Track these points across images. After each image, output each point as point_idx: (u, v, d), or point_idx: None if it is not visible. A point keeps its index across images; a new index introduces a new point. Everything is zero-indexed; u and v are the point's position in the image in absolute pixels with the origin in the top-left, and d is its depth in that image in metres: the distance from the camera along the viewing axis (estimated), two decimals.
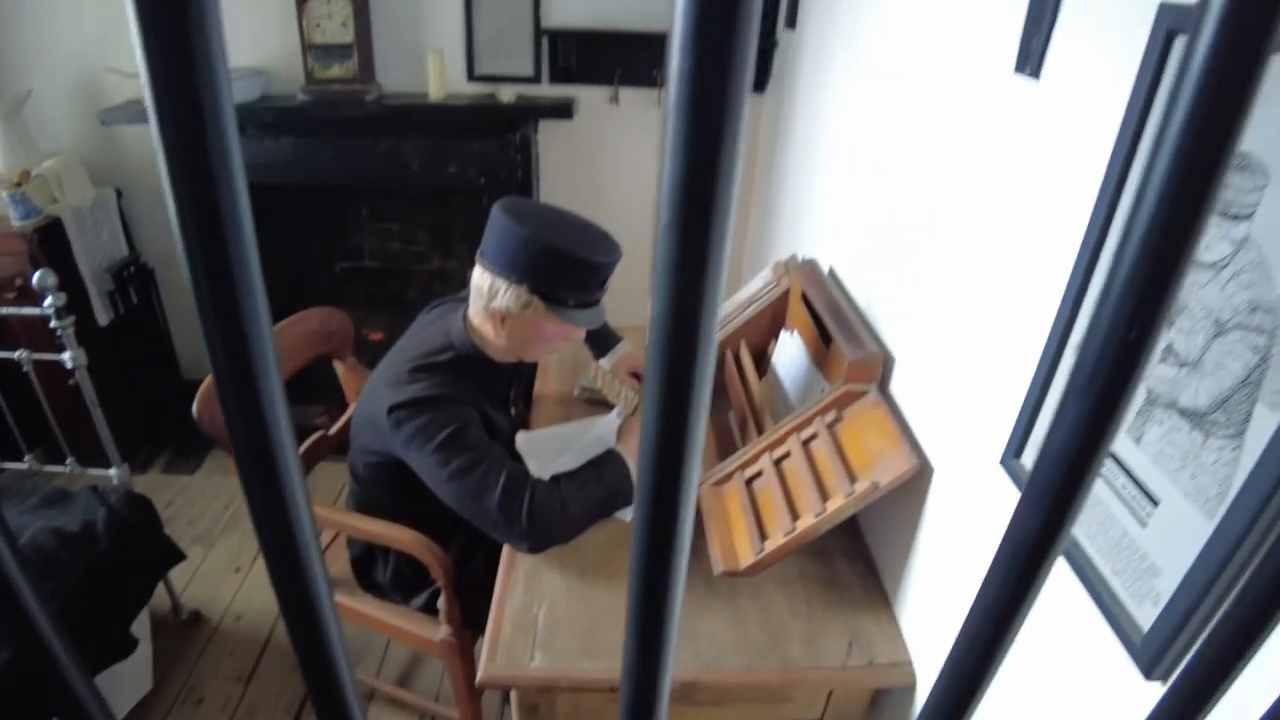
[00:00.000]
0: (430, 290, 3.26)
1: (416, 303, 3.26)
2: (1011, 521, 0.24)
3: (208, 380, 1.73)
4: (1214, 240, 0.76)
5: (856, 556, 1.47)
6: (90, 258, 2.79)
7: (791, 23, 2.34)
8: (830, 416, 1.39)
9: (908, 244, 1.38)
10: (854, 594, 1.38)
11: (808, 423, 1.41)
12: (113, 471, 2.23)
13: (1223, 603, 0.72)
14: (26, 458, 2.39)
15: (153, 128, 0.18)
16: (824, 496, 1.27)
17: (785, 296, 1.81)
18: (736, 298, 2.01)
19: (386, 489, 1.61)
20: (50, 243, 2.63)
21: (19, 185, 2.57)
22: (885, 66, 1.55)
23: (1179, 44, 0.79)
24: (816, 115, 2.02)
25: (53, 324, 2.00)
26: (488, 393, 1.56)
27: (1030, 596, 0.26)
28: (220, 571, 2.60)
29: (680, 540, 0.24)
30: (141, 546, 2.10)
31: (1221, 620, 0.29)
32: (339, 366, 2.06)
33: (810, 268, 1.78)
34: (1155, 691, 0.76)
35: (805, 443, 1.39)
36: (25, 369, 2.17)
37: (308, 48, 2.57)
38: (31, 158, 2.69)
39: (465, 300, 1.60)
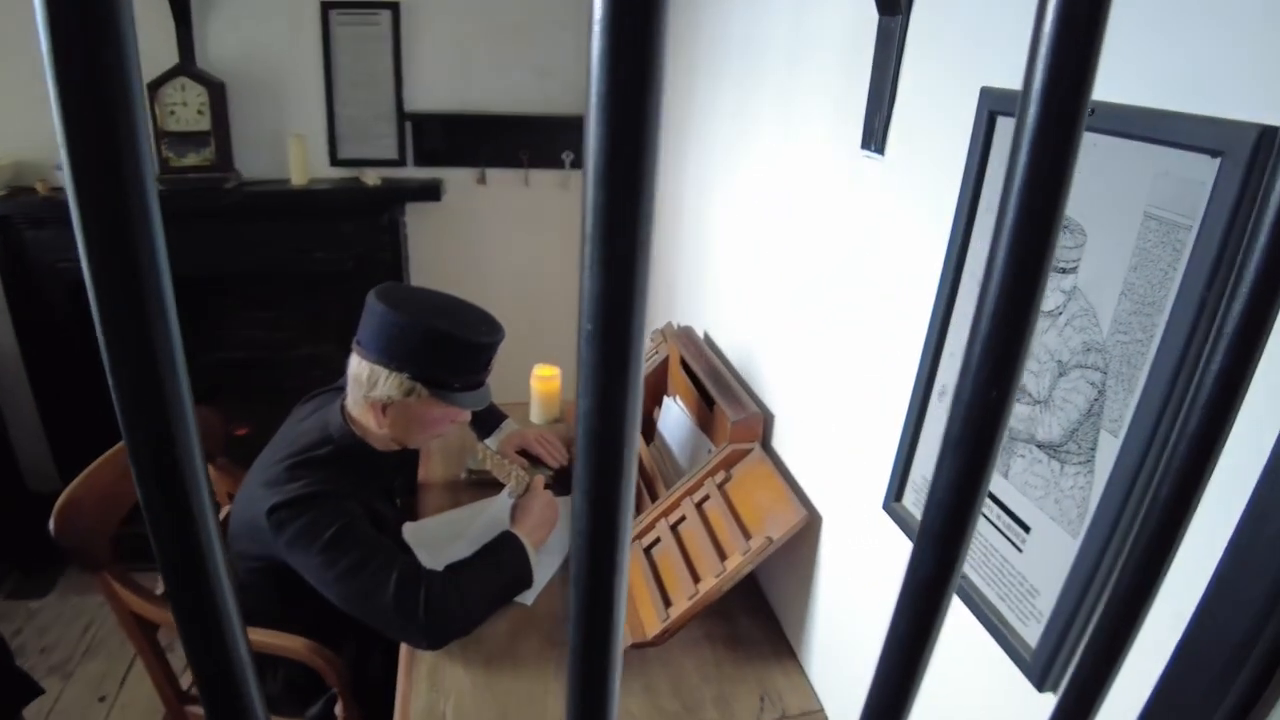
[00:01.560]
0: (304, 377, 3.13)
1: (290, 392, 3.13)
2: (909, 566, 0.28)
3: (67, 492, 1.61)
4: (1048, 291, 0.86)
5: (757, 611, 1.51)
6: None
7: None
8: (720, 477, 1.44)
9: (779, 308, 1.46)
10: (760, 649, 1.42)
11: (699, 485, 1.45)
12: None
13: (1095, 611, 0.79)
14: None
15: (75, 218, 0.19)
16: (722, 556, 1.30)
17: (666, 364, 1.86)
18: None
19: (270, 595, 1.53)
20: None
21: None
22: (746, 141, 1.66)
23: (1002, 122, 0.90)
24: (680, 192, 2.13)
25: None
26: (371, 485, 1.52)
27: (934, 631, 0.29)
28: (83, 702, 2.37)
29: (617, 625, 0.25)
30: None
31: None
32: (209, 469, 1.95)
33: (687, 334, 1.85)
34: (1049, 702, 0.82)
35: (699, 505, 1.43)
36: None
37: (161, 136, 2.49)
38: None
39: (342, 390, 1.57)
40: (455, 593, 1.37)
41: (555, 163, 2.75)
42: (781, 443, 1.44)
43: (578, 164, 2.76)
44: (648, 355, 1.97)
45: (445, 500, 1.84)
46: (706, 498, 1.42)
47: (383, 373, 1.38)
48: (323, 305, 2.99)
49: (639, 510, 1.61)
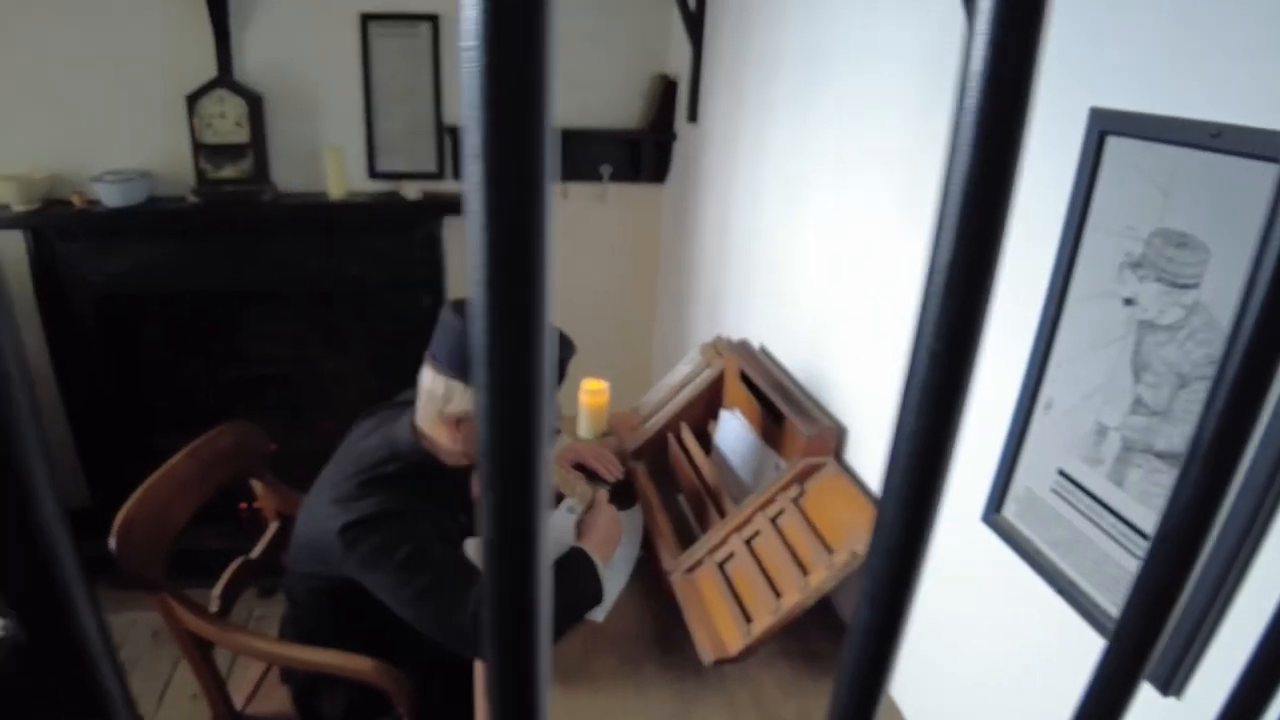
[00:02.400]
0: (324, 394, 3.16)
1: (309, 410, 3.16)
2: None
3: (125, 511, 1.61)
4: (1166, 306, 0.88)
5: (828, 625, 1.52)
6: None
7: (694, 117, 2.49)
8: (794, 491, 1.45)
9: (852, 320, 1.48)
10: (836, 663, 1.42)
11: (772, 500, 1.47)
12: None
13: (1219, 616, 0.81)
14: None
15: None
16: (804, 571, 1.32)
17: (721, 377, 1.88)
18: (667, 382, 2.07)
19: (333, 614, 1.54)
20: None
21: None
22: (806, 151, 1.68)
23: (1112, 142, 0.92)
24: (729, 204, 2.15)
25: None
26: (439, 500, 1.53)
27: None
28: None
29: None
30: (36, 702, 1.89)
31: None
32: (256, 485, 1.96)
33: (744, 348, 1.87)
34: (1172, 706, 0.83)
35: (773, 520, 1.44)
36: None
37: (199, 148, 2.51)
38: None
39: (405, 406, 1.58)
40: None
41: (593, 175, 2.78)
42: (857, 456, 1.46)
43: (616, 176, 2.80)
44: (697, 369, 1.99)
45: None
46: (781, 512, 1.44)
47: (458, 387, 1.40)
48: (344, 321, 3.01)
49: (706, 525, 1.62)
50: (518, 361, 0.20)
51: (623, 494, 1.79)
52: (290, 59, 2.61)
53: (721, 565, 1.46)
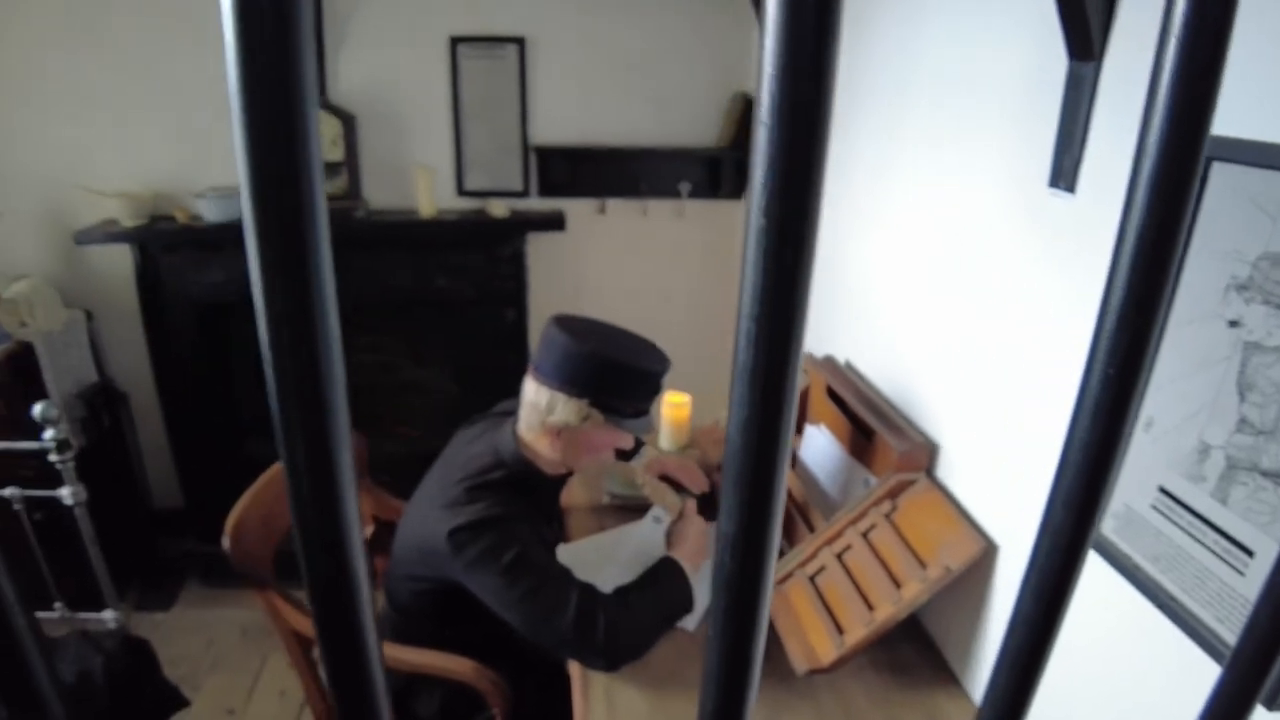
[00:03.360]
0: (406, 402, 3.29)
1: (387, 418, 3.29)
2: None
3: (236, 512, 1.73)
4: (1274, 329, 0.91)
5: (915, 638, 1.55)
6: (61, 383, 2.75)
7: None
8: (886, 507, 1.50)
9: (945, 337, 1.53)
10: (924, 676, 1.47)
11: (863, 515, 1.52)
12: (108, 614, 2.16)
13: None
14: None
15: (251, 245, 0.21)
16: (897, 584, 1.36)
17: (806, 392, 1.93)
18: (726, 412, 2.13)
19: (434, 616, 1.63)
20: (21, 368, 2.60)
21: None
22: (894, 168, 1.74)
23: (1217, 168, 0.96)
24: None
25: (53, 458, 1.98)
26: (538, 507, 1.62)
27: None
28: (212, 715, 2.49)
29: (758, 642, 0.29)
30: (143, 694, 2.02)
31: None
32: None
33: (829, 364, 1.92)
34: None
35: (865, 534, 1.49)
36: (16, 507, 2.12)
37: None
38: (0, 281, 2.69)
39: (507, 415, 1.67)
40: (629, 616, 1.45)
41: (672, 192, 2.86)
42: (949, 472, 1.50)
43: (695, 194, 2.87)
44: None
45: (589, 523, 1.93)
46: (873, 527, 1.48)
47: (561, 398, 1.48)
48: (431, 332, 3.14)
49: (795, 538, 1.68)
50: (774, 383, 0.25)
51: (708, 507, 1.85)
52: (382, 80, 2.75)
53: (812, 578, 1.52)
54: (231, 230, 2.70)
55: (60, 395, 2.73)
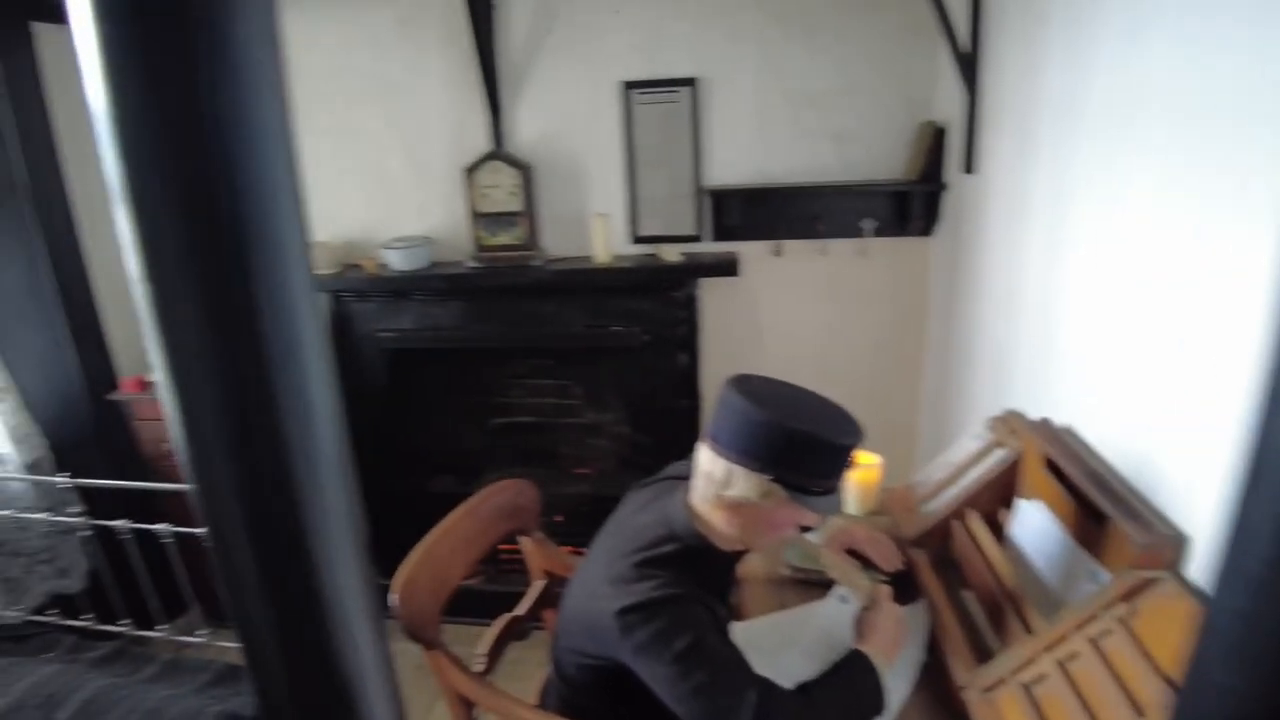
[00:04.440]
0: (580, 444, 3.29)
1: (566, 459, 3.30)
2: None
3: (407, 569, 1.72)
4: None
5: None
6: None
7: (969, 167, 2.33)
8: (1121, 610, 1.26)
9: (1187, 402, 1.28)
10: None
11: (1093, 617, 1.29)
12: None
13: None
14: (202, 632, 2.43)
15: None
16: (1138, 711, 1.13)
17: (1017, 461, 1.71)
18: (948, 459, 1.92)
19: (601, 694, 1.53)
20: None
21: None
22: (1123, 202, 1.49)
23: None
24: (1020, 260, 1.98)
25: None
26: (710, 585, 1.48)
27: None
28: None
29: None
30: None
31: None
32: (524, 542, 2.04)
33: (1047, 429, 1.69)
34: None
35: (1095, 641, 1.26)
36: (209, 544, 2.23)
37: (476, 216, 2.72)
38: None
39: (677, 482, 1.56)
40: (811, 716, 1.30)
41: (853, 231, 2.68)
42: (1205, 573, 1.25)
43: (881, 231, 2.68)
44: (986, 448, 1.82)
45: (767, 597, 1.79)
46: (1106, 634, 1.25)
47: (740, 472, 1.35)
48: (605, 376, 3.12)
49: (1007, 635, 1.46)
50: None
51: (903, 586, 1.66)
52: (557, 130, 2.76)
53: (1029, 688, 1.30)
54: (417, 280, 2.79)
55: None
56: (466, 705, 1.73)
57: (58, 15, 2.74)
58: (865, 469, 1.98)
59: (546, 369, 3.16)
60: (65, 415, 2.85)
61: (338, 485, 0.21)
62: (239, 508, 0.21)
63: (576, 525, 3.05)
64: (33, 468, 2.74)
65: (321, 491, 0.21)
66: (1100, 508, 1.36)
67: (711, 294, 2.79)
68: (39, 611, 2.63)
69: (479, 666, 1.78)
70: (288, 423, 0.20)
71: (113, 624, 2.47)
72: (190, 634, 2.42)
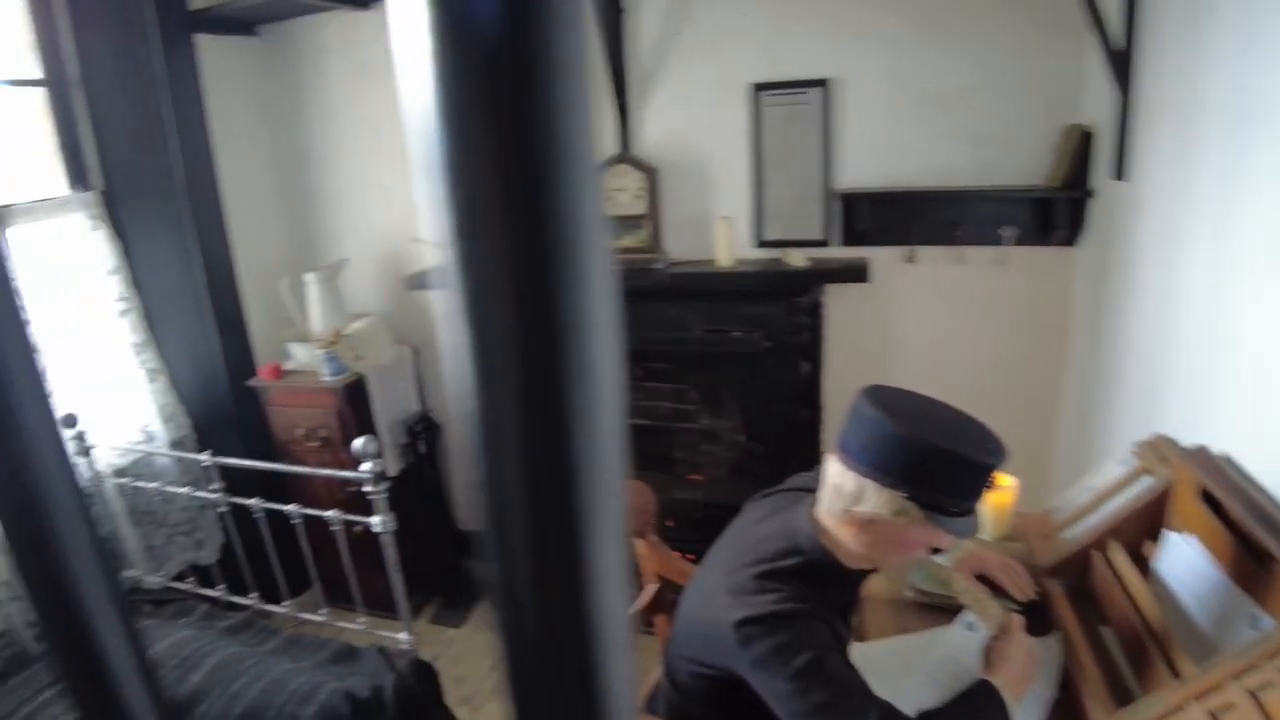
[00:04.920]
0: (696, 449, 3.29)
1: (681, 463, 3.31)
2: None
3: None
4: None
5: None
6: (387, 412, 3.08)
7: (1120, 173, 2.21)
8: None
9: None
10: None
11: (1252, 666, 1.20)
12: (402, 635, 2.33)
13: None
14: (323, 610, 2.56)
15: None
16: None
17: (1167, 491, 1.61)
18: (1090, 484, 1.83)
19: (713, 704, 1.52)
20: (354, 397, 2.95)
21: (331, 345, 2.93)
22: None
23: None
24: (1179, 274, 1.86)
25: (367, 489, 2.17)
26: (832, 602, 1.45)
27: None
28: None
29: None
30: (427, 717, 2.14)
31: None
32: (638, 544, 2.06)
33: (1203, 458, 1.58)
34: None
35: (1254, 693, 1.17)
36: (334, 528, 2.35)
37: None
38: (342, 319, 3.07)
39: (801, 494, 1.54)
40: None
41: (992, 239, 2.58)
42: None
43: (1022, 240, 2.58)
44: (1131, 474, 1.73)
45: (889, 620, 1.74)
46: (1267, 685, 1.16)
47: (872, 487, 1.31)
48: (724, 381, 3.11)
49: (1145, 675, 1.38)
50: None
51: (1035, 617, 1.59)
52: (683, 132, 2.78)
53: None
54: None
55: (386, 422, 3.05)
56: None
57: (216, 28, 2.97)
58: (1001, 491, 1.91)
59: (664, 373, 3.18)
60: (208, 398, 3.07)
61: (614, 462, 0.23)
62: (523, 493, 0.22)
63: (687, 531, 3.06)
64: (177, 445, 2.96)
65: (601, 466, 0.22)
66: (1265, 546, 1.27)
67: (838, 301, 2.74)
68: (177, 579, 2.84)
69: None
70: (580, 404, 0.21)
71: (242, 596, 2.63)
72: (312, 611, 2.55)
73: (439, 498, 3.47)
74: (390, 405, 3.12)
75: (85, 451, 2.56)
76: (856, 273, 2.59)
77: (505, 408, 0.21)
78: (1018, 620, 1.45)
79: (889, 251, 2.68)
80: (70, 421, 2.51)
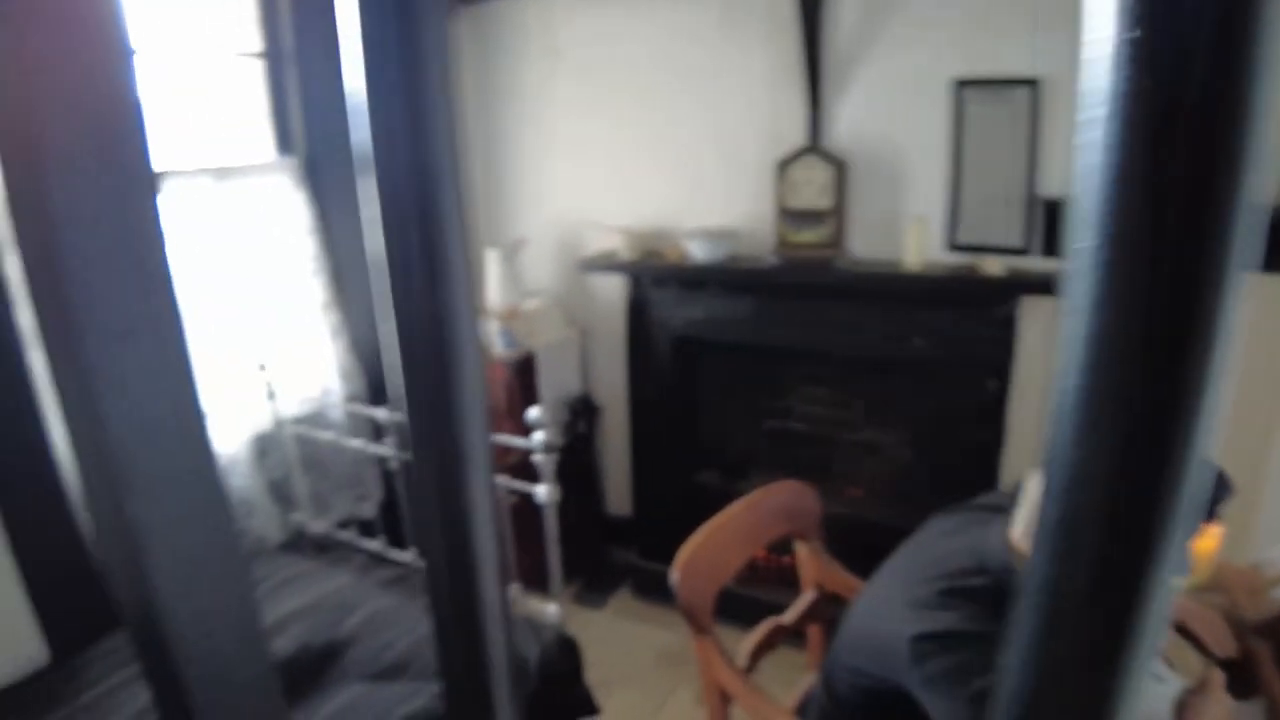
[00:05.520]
0: (856, 461, 3.22)
1: (839, 475, 3.23)
2: None
3: (689, 548, 1.78)
4: None
5: None
6: (551, 390, 3.20)
7: None
8: None
9: None
10: None
11: None
12: (551, 608, 2.40)
13: None
14: None
15: None
16: None
17: None
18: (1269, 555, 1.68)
19: (873, 716, 1.50)
20: (522, 372, 3.08)
21: (507, 320, 3.07)
22: None
23: None
24: None
25: (536, 457, 2.25)
26: None
27: None
28: None
29: None
30: (565, 693, 2.20)
31: None
32: (800, 548, 2.04)
33: None
34: None
35: None
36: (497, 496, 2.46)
37: (782, 212, 2.74)
38: (518, 296, 3.21)
39: (992, 512, 1.48)
40: None
41: None
42: None
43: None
44: None
45: None
46: None
47: None
48: (896, 392, 3.02)
49: None
50: None
51: (1236, 677, 1.46)
52: (878, 127, 2.71)
53: None
54: (715, 271, 2.87)
55: (549, 400, 3.17)
56: (724, 700, 1.77)
57: None
58: (1204, 537, 1.76)
59: (830, 377, 3.13)
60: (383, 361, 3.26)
61: None
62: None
63: (837, 547, 2.99)
64: (351, 402, 3.16)
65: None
66: None
67: (1034, 315, 2.60)
68: (340, 528, 3.03)
69: (741, 665, 1.81)
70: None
71: (400, 551, 2.78)
72: None
73: (591, 480, 3.55)
74: (555, 384, 3.24)
75: (271, 396, 2.77)
76: (1059, 286, 2.44)
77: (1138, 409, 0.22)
78: (1219, 676, 1.34)
79: None
80: (263, 367, 2.73)
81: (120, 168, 0.27)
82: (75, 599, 2.24)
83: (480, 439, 0.31)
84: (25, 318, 2.14)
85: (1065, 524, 0.25)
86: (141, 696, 1.98)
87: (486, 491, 0.32)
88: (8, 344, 2.07)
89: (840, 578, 1.98)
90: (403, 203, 0.31)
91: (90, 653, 2.18)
